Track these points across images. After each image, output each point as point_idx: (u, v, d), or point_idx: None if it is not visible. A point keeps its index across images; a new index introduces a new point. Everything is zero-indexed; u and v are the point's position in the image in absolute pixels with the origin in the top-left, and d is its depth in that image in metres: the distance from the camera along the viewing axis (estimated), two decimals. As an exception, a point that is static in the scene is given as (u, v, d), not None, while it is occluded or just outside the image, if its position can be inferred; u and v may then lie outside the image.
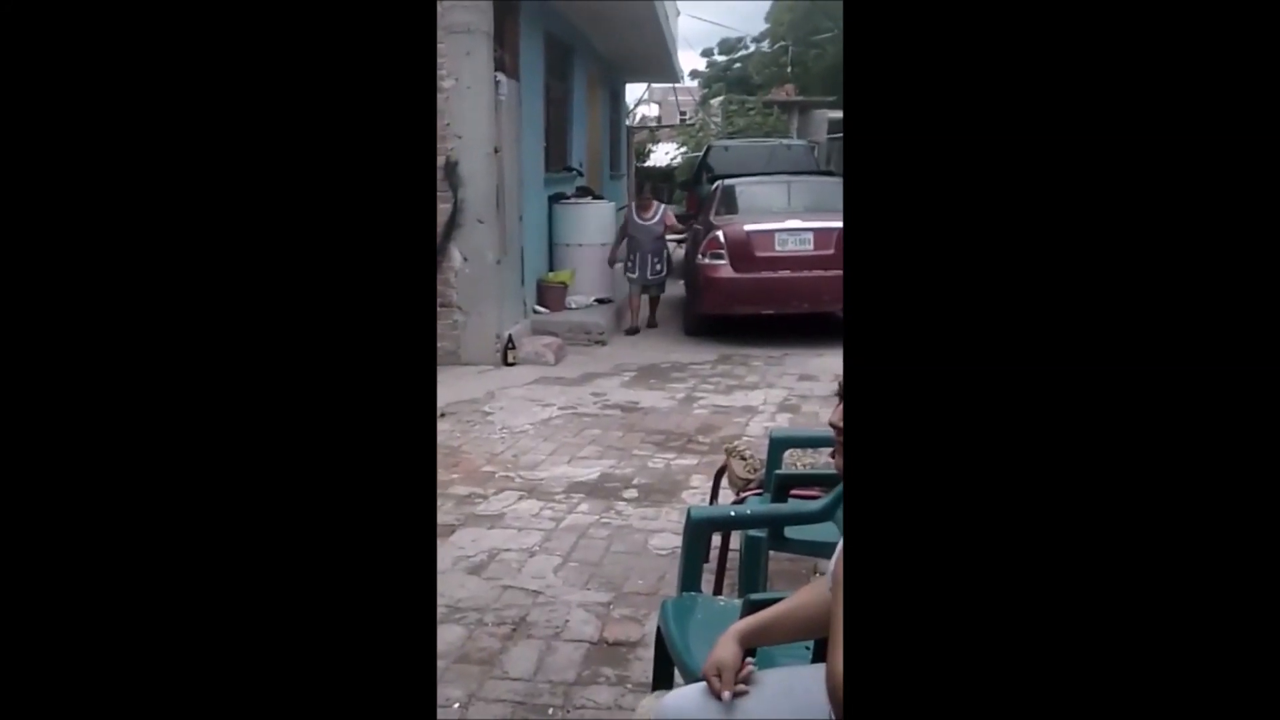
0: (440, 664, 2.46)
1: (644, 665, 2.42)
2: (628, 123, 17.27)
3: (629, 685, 2.36)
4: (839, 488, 2.24)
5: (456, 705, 2.28)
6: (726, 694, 1.36)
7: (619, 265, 8.36)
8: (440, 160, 6.28)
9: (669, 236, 8.44)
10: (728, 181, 8.29)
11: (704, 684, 1.41)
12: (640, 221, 8.10)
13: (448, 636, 2.62)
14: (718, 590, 2.71)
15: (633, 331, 8.00)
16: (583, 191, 9.02)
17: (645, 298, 8.29)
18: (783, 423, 5.00)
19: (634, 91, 18.10)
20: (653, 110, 24.70)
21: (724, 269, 7.12)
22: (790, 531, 2.40)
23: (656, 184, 11.80)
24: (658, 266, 8.15)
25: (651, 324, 8.30)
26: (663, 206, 8.36)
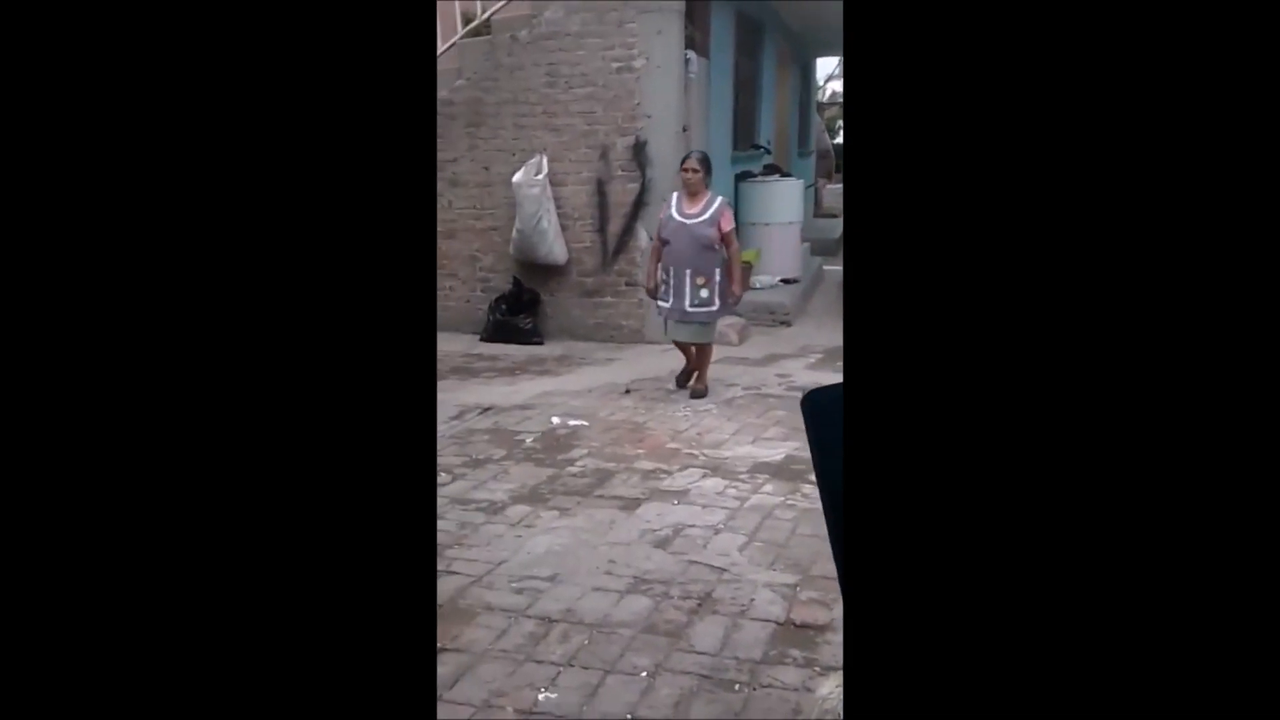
0: (627, 633, 2.51)
1: (833, 649, 2.37)
2: (818, 98, 16.90)
3: (817, 668, 2.31)
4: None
5: (644, 674, 2.32)
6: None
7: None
8: (629, 140, 6.37)
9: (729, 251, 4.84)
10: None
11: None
12: (681, 219, 4.78)
13: (634, 607, 2.67)
14: (910, 579, 2.61)
15: (698, 394, 5.04)
16: (770, 169, 8.90)
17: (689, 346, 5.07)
18: (979, 409, 4.76)
19: (825, 66, 17.67)
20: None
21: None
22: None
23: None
24: (703, 293, 4.81)
25: (691, 387, 5.09)
26: (719, 199, 4.84)
